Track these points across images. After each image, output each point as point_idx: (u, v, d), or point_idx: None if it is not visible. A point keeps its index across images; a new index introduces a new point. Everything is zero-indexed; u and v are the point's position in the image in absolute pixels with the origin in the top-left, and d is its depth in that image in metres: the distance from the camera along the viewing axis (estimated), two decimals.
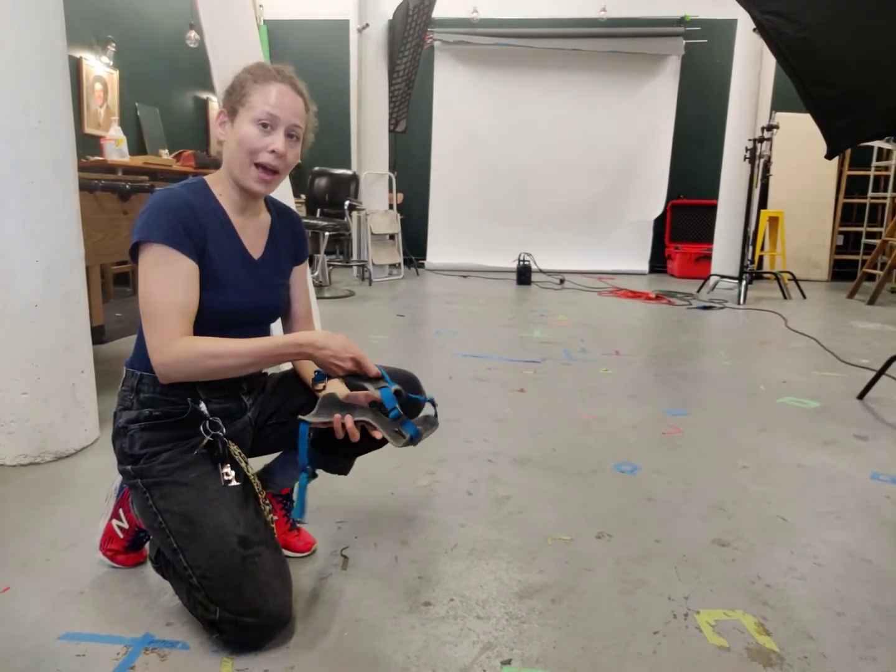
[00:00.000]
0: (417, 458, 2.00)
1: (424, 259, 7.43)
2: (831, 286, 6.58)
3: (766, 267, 6.61)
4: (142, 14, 5.72)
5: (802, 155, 6.63)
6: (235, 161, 1.26)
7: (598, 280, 6.65)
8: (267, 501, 1.28)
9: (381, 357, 1.31)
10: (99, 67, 5.10)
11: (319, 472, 1.34)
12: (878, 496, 1.85)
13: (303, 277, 1.48)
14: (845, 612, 1.31)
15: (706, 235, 6.78)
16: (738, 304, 5.21)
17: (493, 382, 2.89)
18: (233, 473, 1.23)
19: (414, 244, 7.22)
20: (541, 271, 6.67)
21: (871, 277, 5.89)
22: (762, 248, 6.46)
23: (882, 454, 2.16)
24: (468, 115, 7.38)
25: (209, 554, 1.13)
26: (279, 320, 1.47)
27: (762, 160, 5.38)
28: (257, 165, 1.25)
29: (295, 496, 1.25)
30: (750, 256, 5.56)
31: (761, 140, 5.35)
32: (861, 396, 2.76)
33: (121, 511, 1.41)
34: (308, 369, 1.38)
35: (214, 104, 6.76)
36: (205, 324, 1.23)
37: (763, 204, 6.59)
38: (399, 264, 6.63)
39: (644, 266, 7.32)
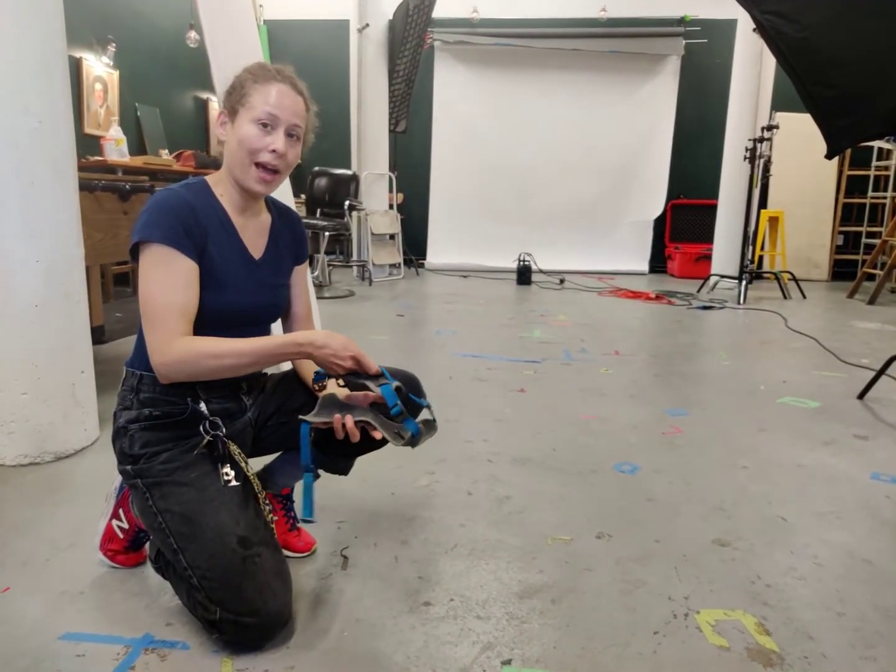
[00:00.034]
0: (417, 459, 2.00)
1: (424, 259, 7.43)
2: (831, 286, 6.58)
3: (766, 267, 6.61)
4: (142, 14, 5.72)
5: (802, 155, 6.63)
6: (236, 161, 1.26)
7: (598, 280, 6.65)
8: (267, 501, 1.28)
9: (381, 357, 1.31)
10: (99, 67, 5.10)
11: (320, 472, 1.35)
12: (878, 496, 1.85)
13: (303, 278, 1.48)
14: (845, 612, 1.31)
15: (706, 235, 6.78)
16: (738, 304, 5.21)
17: (493, 382, 2.89)
18: (232, 473, 1.23)
19: (414, 244, 7.22)
20: (541, 271, 6.67)
21: (871, 277, 5.89)
22: (762, 248, 6.46)
23: (882, 454, 2.16)
24: (468, 115, 7.38)
25: (209, 554, 1.13)
26: (279, 320, 1.47)
27: (762, 160, 5.38)
28: (258, 165, 1.26)
29: (302, 497, 1.25)
30: (750, 256, 5.56)
31: (761, 140, 5.35)
32: (861, 396, 2.76)
33: (121, 511, 1.41)
34: (308, 369, 1.38)
35: (214, 104, 6.76)
36: (205, 324, 1.23)
37: (763, 204, 6.60)
38: (399, 264, 6.63)
39: (644, 266, 7.32)
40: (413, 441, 1.23)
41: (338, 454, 1.36)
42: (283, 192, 2.77)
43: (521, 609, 1.30)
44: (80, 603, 1.29)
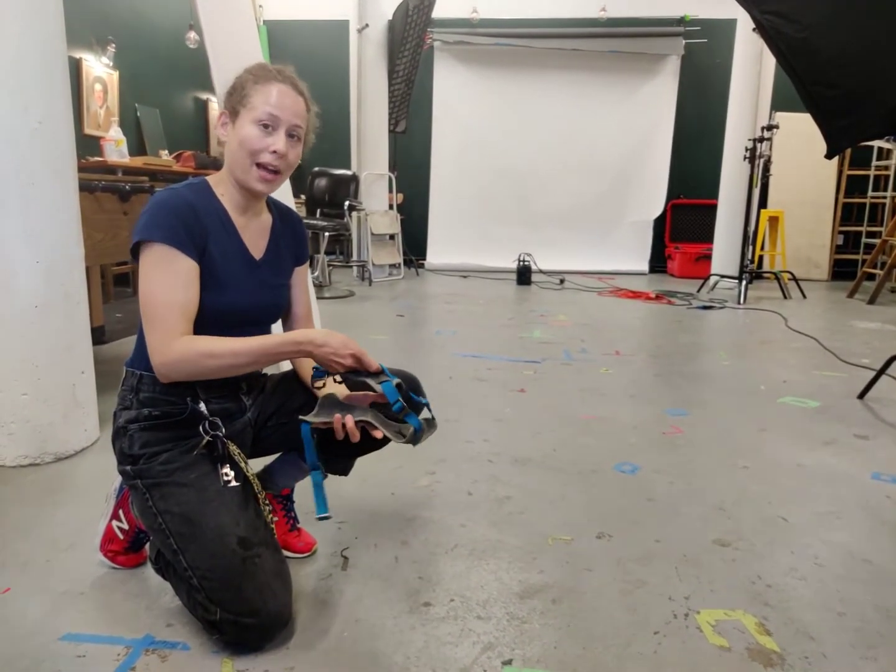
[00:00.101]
0: (418, 459, 2.00)
1: (424, 259, 7.43)
2: (831, 286, 6.58)
3: (766, 267, 6.61)
4: (142, 14, 5.72)
5: (802, 155, 6.63)
6: (237, 161, 1.26)
7: (598, 280, 6.65)
8: (267, 502, 1.28)
9: (381, 357, 1.31)
10: (99, 68, 5.10)
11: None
12: (879, 496, 1.85)
13: (304, 278, 1.48)
14: (846, 613, 1.30)
15: (706, 235, 6.78)
16: (739, 303, 5.21)
17: (493, 382, 2.89)
18: (232, 474, 1.23)
19: (414, 244, 7.22)
20: (541, 271, 6.67)
21: (871, 277, 5.89)
22: (762, 248, 6.46)
23: (882, 454, 2.16)
24: (468, 115, 7.38)
25: (209, 555, 1.13)
26: (280, 321, 1.47)
27: (762, 160, 5.38)
28: (259, 166, 1.26)
29: (313, 496, 1.25)
30: (750, 256, 5.56)
31: (761, 140, 5.35)
32: (861, 396, 2.76)
33: (121, 512, 1.41)
34: (308, 369, 1.38)
35: (214, 105, 6.77)
36: (206, 324, 1.23)
37: (763, 204, 6.60)
38: (399, 264, 6.63)
39: (644, 266, 7.32)
40: (415, 438, 1.23)
41: (338, 454, 1.36)
42: (284, 193, 2.77)
43: (522, 609, 1.30)
44: (81, 604, 1.29)
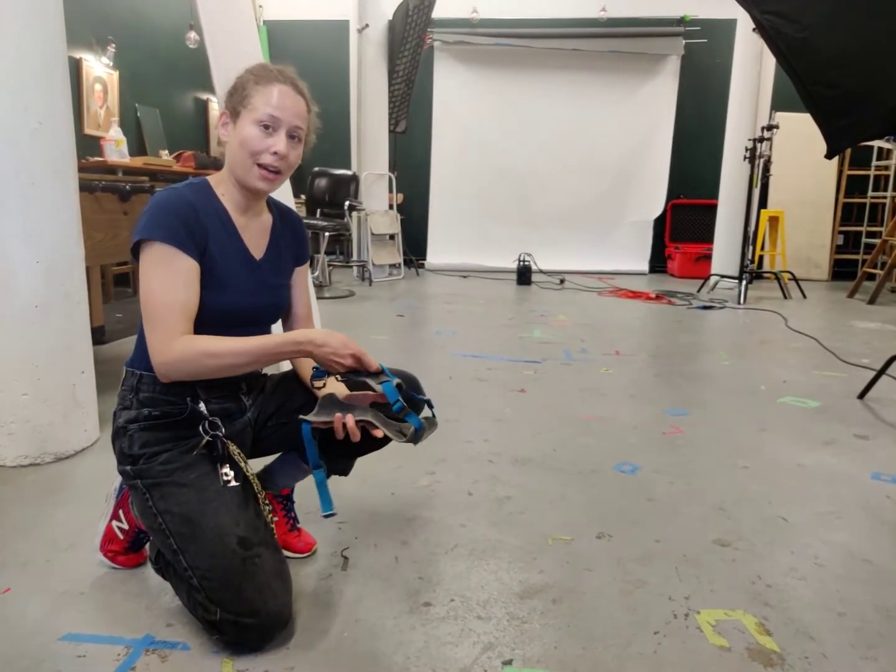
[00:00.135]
0: (418, 459, 2.00)
1: (424, 259, 7.43)
2: (831, 286, 6.58)
3: (766, 267, 6.61)
4: (142, 14, 5.72)
5: (802, 155, 6.63)
6: (238, 162, 1.26)
7: (598, 280, 6.65)
8: (267, 502, 1.28)
9: (381, 357, 1.31)
10: (99, 68, 5.10)
11: None
12: (879, 496, 1.85)
13: (304, 278, 1.48)
14: (846, 613, 1.30)
15: (706, 235, 6.78)
16: (739, 303, 5.21)
17: (494, 382, 2.89)
18: (232, 474, 1.23)
19: (414, 244, 7.22)
20: (541, 271, 6.67)
21: (871, 277, 5.89)
22: (762, 248, 6.46)
23: (882, 454, 2.16)
24: (468, 115, 7.38)
25: (209, 555, 1.13)
26: (280, 321, 1.47)
27: (762, 160, 5.38)
28: (259, 166, 1.26)
29: (318, 494, 1.25)
30: (750, 256, 5.56)
31: (761, 140, 5.35)
32: (861, 396, 2.76)
33: (120, 512, 1.41)
34: (308, 369, 1.38)
35: (214, 105, 6.77)
36: (206, 323, 1.23)
37: (763, 204, 6.59)
38: (399, 264, 6.63)
39: (644, 266, 7.32)
40: (415, 437, 1.23)
41: (338, 455, 1.36)
42: (284, 193, 2.77)
43: (522, 609, 1.30)
44: (81, 604, 1.29)
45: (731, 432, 2.34)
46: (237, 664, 1.13)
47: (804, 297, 5.65)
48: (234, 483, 1.22)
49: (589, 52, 7.11)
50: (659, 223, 7.40)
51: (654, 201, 7.36)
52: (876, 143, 6.56)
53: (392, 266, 6.59)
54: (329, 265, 5.79)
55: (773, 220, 6.27)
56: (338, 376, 1.27)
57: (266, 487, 1.43)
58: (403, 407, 1.22)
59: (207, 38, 2.51)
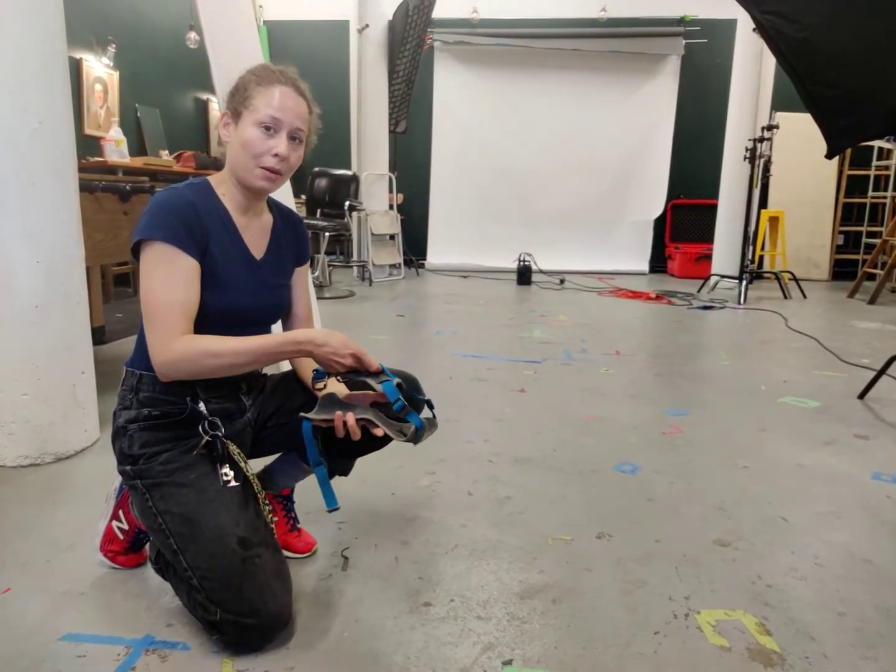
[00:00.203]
0: (418, 459, 2.00)
1: (424, 259, 7.43)
2: (831, 286, 6.58)
3: (767, 267, 6.61)
4: (142, 15, 5.72)
5: (802, 155, 6.63)
6: (239, 162, 1.26)
7: (598, 280, 6.65)
8: (267, 502, 1.28)
9: (381, 357, 1.31)
10: (99, 68, 5.10)
11: None
12: (879, 496, 1.85)
13: (304, 279, 1.48)
14: (846, 613, 1.30)
15: (706, 235, 6.79)
16: (739, 303, 5.21)
17: (494, 382, 2.89)
18: (231, 474, 1.23)
19: (414, 244, 7.22)
20: (541, 271, 6.67)
21: (871, 277, 5.89)
22: (762, 248, 6.46)
23: (883, 454, 2.16)
24: (468, 115, 7.39)
25: (209, 555, 1.13)
26: (280, 321, 1.47)
27: (762, 160, 5.38)
28: (261, 167, 1.26)
29: (321, 491, 1.25)
30: (750, 256, 5.56)
31: (761, 140, 5.35)
32: (861, 396, 2.76)
33: (120, 512, 1.41)
34: (307, 369, 1.38)
35: (214, 105, 6.77)
36: (206, 323, 1.23)
37: (763, 204, 6.59)
38: (399, 264, 6.63)
39: (644, 266, 7.32)
40: (416, 437, 1.23)
41: (338, 454, 1.36)
42: (284, 193, 2.77)
43: (522, 609, 1.30)
44: (81, 604, 1.29)
45: (731, 432, 2.34)
46: (237, 664, 1.13)
47: (804, 297, 5.65)
48: (233, 483, 1.22)
49: (589, 52, 7.11)
50: (659, 223, 7.40)
51: (655, 201, 7.36)
52: (876, 143, 6.56)
53: (392, 266, 6.59)
54: (329, 265, 5.79)
55: (774, 220, 6.27)
56: (338, 376, 1.27)
57: (266, 487, 1.43)
58: (404, 406, 1.22)
59: (207, 38, 2.51)
